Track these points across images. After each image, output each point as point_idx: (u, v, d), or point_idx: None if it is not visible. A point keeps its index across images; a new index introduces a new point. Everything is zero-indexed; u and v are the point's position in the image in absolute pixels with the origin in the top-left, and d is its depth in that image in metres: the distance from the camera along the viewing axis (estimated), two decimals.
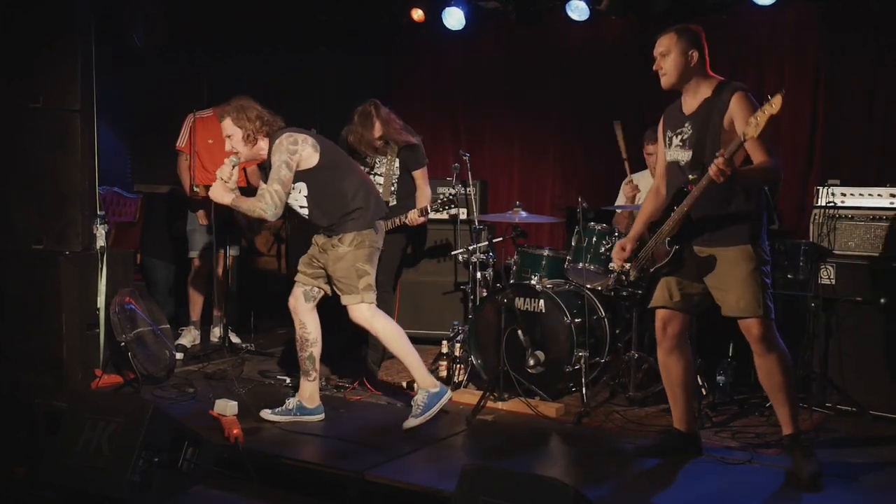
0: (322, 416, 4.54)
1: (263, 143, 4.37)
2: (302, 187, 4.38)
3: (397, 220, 5.30)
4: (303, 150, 4.31)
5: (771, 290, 3.64)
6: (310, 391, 4.55)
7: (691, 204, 3.55)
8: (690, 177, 3.54)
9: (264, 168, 4.38)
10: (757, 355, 3.65)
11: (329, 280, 4.48)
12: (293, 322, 4.60)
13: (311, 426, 4.44)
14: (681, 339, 3.87)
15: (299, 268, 4.57)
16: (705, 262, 3.65)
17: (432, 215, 6.42)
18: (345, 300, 4.40)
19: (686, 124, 3.70)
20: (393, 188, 5.42)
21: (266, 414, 4.48)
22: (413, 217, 5.27)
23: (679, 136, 3.73)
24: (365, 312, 4.41)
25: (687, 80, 3.68)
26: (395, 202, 5.41)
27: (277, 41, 7.35)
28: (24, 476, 3.99)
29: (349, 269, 4.36)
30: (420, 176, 5.44)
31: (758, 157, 3.49)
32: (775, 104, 3.18)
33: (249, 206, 4.24)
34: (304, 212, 4.45)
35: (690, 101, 3.72)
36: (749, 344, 3.66)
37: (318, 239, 4.52)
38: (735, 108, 3.53)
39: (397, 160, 5.40)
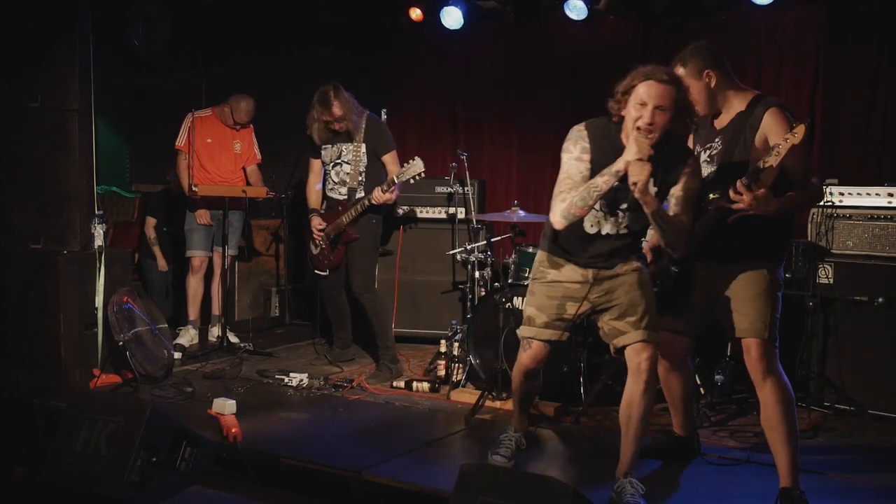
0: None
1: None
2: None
3: (365, 203, 5.23)
4: None
5: (779, 317, 3.43)
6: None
7: (706, 226, 3.40)
8: (710, 196, 3.35)
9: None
10: (755, 384, 3.41)
11: (575, 323, 3.64)
12: (516, 378, 3.83)
13: (310, 425, 4.45)
14: (681, 359, 3.78)
15: (538, 321, 3.62)
16: (712, 280, 3.49)
17: (429, 214, 6.45)
18: (641, 336, 3.45)
19: (716, 139, 3.49)
20: (361, 178, 5.34)
21: (501, 462, 3.81)
22: (378, 195, 5.16)
23: (707, 152, 3.51)
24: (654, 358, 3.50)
25: (717, 101, 3.48)
26: (362, 193, 5.33)
27: (277, 41, 7.35)
28: (23, 476, 3.99)
29: (653, 303, 3.56)
30: (390, 160, 5.34)
31: (800, 180, 3.28)
32: (798, 134, 3.04)
33: (674, 229, 3.33)
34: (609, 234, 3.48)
35: (723, 116, 3.51)
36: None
37: (576, 272, 3.55)
38: (769, 124, 3.30)
39: (364, 146, 5.31)
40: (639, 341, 3.43)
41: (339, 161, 5.39)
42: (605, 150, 3.39)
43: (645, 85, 3.26)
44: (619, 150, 3.30)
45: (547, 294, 3.60)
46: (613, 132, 3.42)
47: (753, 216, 3.27)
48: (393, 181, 5.16)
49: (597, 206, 3.41)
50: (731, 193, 3.17)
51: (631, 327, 3.46)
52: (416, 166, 5.12)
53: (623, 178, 3.24)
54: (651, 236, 3.63)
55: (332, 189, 5.48)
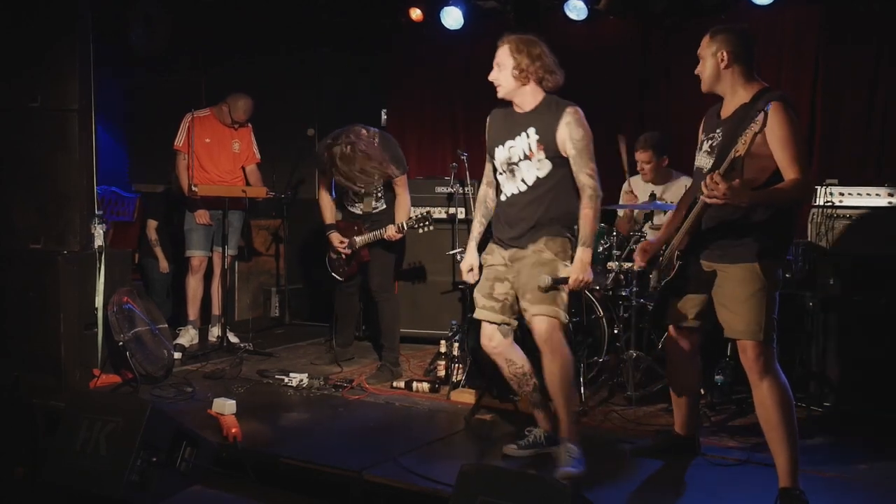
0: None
1: (532, 92, 3.72)
2: (545, 166, 3.72)
3: (378, 234, 5.31)
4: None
5: (776, 316, 3.40)
6: (544, 417, 3.99)
7: (695, 219, 3.42)
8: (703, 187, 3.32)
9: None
10: (752, 384, 3.40)
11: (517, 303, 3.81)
12: (497, 363, 3.92)
13: (309, 425, 4.45)
14: (690, 353, 3.78)
15: (479, 303, 3.87)
16: (712, 277, 3.48)
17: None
18: (533, 310, 3.68)
19: (718, 130, 3.48)
20: (379, 193, 5.42)
21: (511, 450, 3.93)
22: (392, 233, 5.26)
23: (709, 142, 3.51)
24: (557, 334, 3.69)
25: (720, 84, 3.47)
26: (384, 206, 5.42)
27: (277, 41, 7.35)
28: (23, 476, 3.99)
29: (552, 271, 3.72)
30: (400, 184, 5.37)
31: (786, 173, 3.22)
32: (759, 122, 3.03)
33: (589, 217, 3.65)
34: (514, 194, 3.79)
35: (728, 106, 3.50)
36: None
37: (500, 255, 3.84)
38: (769, 118, 3.16)
39: (376, 172, 5.34)
40: (534, 315, 3.67)
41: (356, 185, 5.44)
42: (495, 130, 3.88)
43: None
44: (504, 125, 3.81)
45: (485, 277, 3.90)
46: (508, 110, 3.84)
47: (747, 212, 3.27)
48: (402, 226, 5.23)
49: (500, 171, 3.83)
50: (708, 182, 3.13)
51: (529, 304, 3.68)
52: (426, 219, 5.19)
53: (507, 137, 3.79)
54: (673, 241, 3.61)
55: (352, 205, 5.52)
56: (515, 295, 3.78)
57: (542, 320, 3.65)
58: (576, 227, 3.74)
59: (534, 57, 3.69)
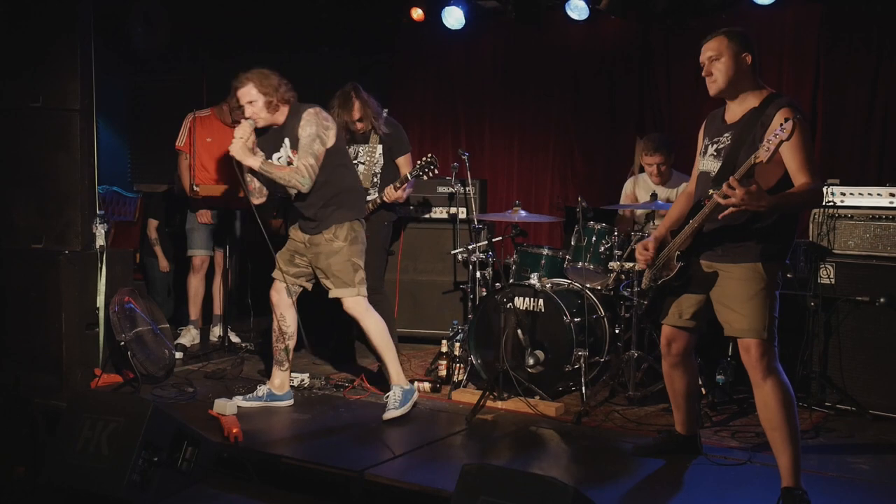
0: (291, 402, 4.77)
1: (283, 111, 4.52)
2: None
3: (377, 201, 5.26)
4: (332, 128, 4.48)
5: (777, 316, 3.43)
6: (280, 379, 4.77)
7: (702, 221, 3.39)
8: (711, 192, 3.31)
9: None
10: (754, 384, 3.40)
11: (313, 276, 4.64)
12: (272, 314, 4.75)
13: (310, 425, 4.45)
14: (685, 354, 3.77)
15: (279, 265, 4.66)
16: (712, 277, 3.48)
17: (431, 213, 6.45)
18: (340, 293, 4.53)
19: (725, 134, 3.47)
20: (375, 179, 5.35)
21: (238, 401, 4.63)
22: (390, 193, 5.21)
23: (715, 146, 3.50)
24: (362, 305, 4.57)
25: (736, 87, 3.43)
26: (375, 194, 5.35)
27: (278, 41, 7.35)
28: (24, 476, 3.99)
29: (345, 264, 4.50)
30: (404, 163, 5.37)
31: (798, 178, 3.24)
32: (787, 130, 3.02)
33: (285, 175, 4.35)
34: (293, 192, 4.52)
35: (735, 110, 3.48)
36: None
37: (300, 235, 4.62)
38: (778, 124, 3.16)
39: (380, 147, 5.34)
40: (335, 295, 4.53)
41: (354, 161, 5.37)
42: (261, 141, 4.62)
43: None
44: (269, 140, 4.60)
45: (286, 248, 4.71)
46: (272, 129, 4.62)
47: (752, 215, 3.26)
48: (406, 178, 5.20)
49: None
50: (724, 188, 3.12)
51: (332, 285, 4.54)
52: (431, 163, 5.17)
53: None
54: (675, 241, 3.60)
55: None
56: (312, 267, 4.61)
57: (344, 300, 4.54)
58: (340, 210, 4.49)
59: (275, 87, 4.47)
